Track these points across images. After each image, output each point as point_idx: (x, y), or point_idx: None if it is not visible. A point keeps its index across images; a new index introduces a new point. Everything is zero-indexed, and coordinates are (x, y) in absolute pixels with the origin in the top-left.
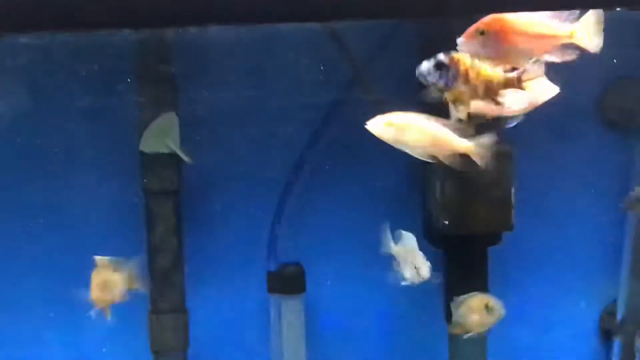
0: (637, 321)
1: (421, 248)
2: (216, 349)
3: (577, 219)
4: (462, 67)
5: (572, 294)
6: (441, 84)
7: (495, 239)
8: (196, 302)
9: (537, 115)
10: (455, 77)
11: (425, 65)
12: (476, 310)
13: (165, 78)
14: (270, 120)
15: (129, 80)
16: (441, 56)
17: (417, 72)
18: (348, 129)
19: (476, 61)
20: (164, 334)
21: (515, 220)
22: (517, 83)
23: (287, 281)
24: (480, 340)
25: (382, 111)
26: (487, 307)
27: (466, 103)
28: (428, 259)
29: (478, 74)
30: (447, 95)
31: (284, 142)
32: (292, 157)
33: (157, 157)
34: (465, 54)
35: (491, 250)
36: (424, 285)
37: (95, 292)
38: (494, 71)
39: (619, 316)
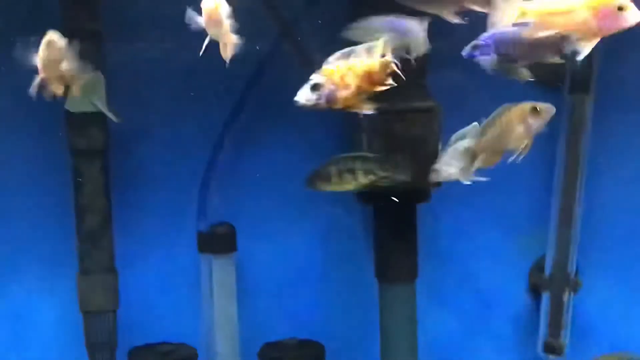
0: (564, 276)
1: (351, 204)
2: (146, 308)
3: (506, 176)
4: (336, 77)
5: (501, 249)
6: (323, 103)
7: (423, 195)
8: (125, 262)
9: (468, 75)
10: (335, 90)
11: (303, 94)
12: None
13: (90, 35)
14: (199, 78)
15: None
16: (314, 77)
17: (296, 103)
18: (277, 86)
19: (350, 60)
20: (93, 294)
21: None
22: (391, 65)
23: (218, 240)
24: (410, 296)
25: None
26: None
27: (359, 106)
28: (357, 216)
29: (354, 73)
30: (338, 107)
31: (214, 99)
32: (222, 115)
33: (84, 117)
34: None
35: (421, 208)
36: (353, 242)
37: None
38: (368, 62)
39: (547, 271)
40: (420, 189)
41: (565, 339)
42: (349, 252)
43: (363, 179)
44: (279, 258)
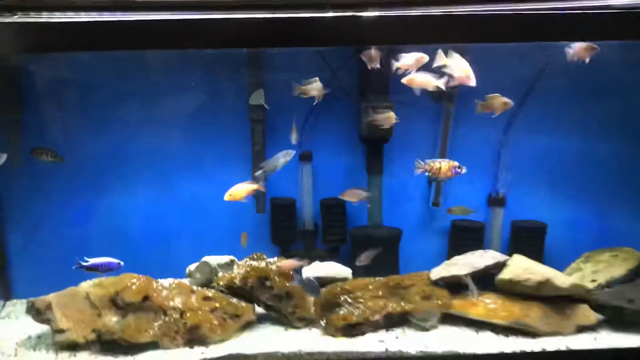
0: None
1: (355, 144)
2: (277, 184)
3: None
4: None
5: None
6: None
7: (386, 140)
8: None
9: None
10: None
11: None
12: None
13: (258, 77)
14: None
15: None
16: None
17: None
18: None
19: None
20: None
21: (392, 134)
22: None
23: (305, 157)
24: (378, 182)
25: None
26: None
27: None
28: (357, 149)
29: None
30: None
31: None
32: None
33: (255, 106)
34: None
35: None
36: (359, 158)
37: None
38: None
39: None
40: (384, 138)
41: (440, 200)
42: (356, 162)
43: None
44: (329, 165)
